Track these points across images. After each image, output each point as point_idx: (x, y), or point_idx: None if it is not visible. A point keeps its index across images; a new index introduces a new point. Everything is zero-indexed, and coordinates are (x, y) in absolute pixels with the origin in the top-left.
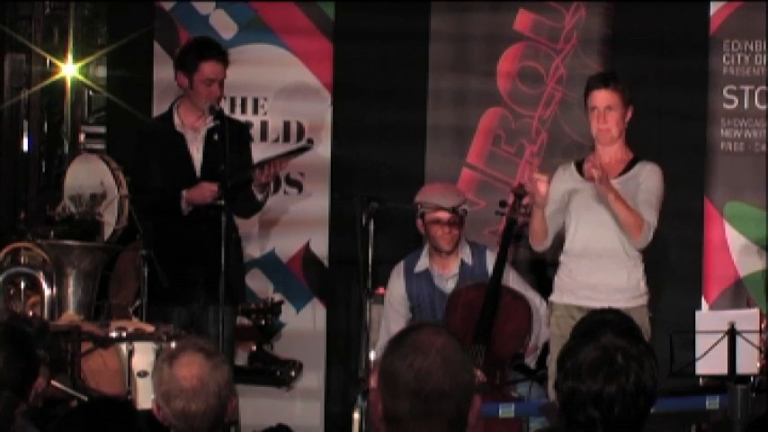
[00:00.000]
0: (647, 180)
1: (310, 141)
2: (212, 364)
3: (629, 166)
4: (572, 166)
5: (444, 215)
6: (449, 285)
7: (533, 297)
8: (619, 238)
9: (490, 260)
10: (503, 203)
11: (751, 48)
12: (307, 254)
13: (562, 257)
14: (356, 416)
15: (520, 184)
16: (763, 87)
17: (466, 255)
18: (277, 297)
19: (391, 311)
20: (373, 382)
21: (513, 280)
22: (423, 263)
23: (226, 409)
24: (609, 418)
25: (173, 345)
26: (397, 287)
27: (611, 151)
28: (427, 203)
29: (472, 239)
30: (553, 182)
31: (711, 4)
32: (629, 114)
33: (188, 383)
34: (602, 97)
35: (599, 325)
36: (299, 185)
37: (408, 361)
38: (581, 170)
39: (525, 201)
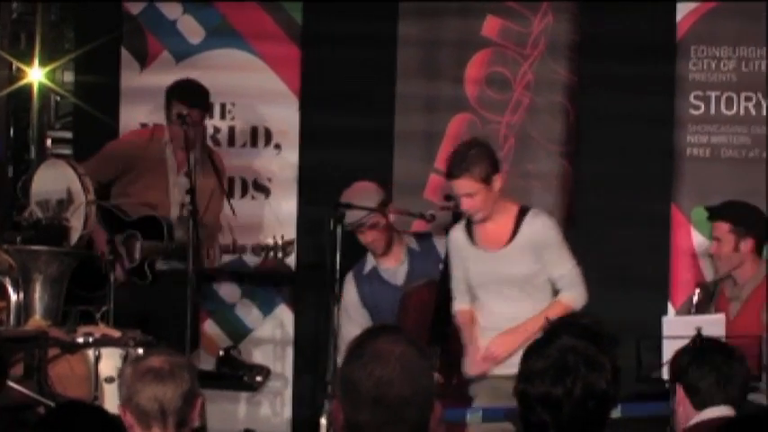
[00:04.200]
0: (547, 246)
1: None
2: (177, 360)
3: (517, 225)
4: (462, 229)
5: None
6: (399, 275)
7: None
8: (523, 308)
9: (440, 245)
10: (448, 197)
11: (717, 53)
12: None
13: None
14: (323, 421)
15: None
16: (730, 93)
17: (411, 242)
18: (288, 237)
19: (345, 319)
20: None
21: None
22: (369, 263)
23: (195, 401)
24: (559, 420)
25: (140, 351)
26: (350, 294)
27: (494, 219)
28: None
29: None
30: (449, 251)
31: (678, 9)
32: (498, 182)
33: (158, 365)
34: (459, 186)
35: (561, 327)
36: (266, 191)
37: (368, 370)
38: (471, 231)
39: None
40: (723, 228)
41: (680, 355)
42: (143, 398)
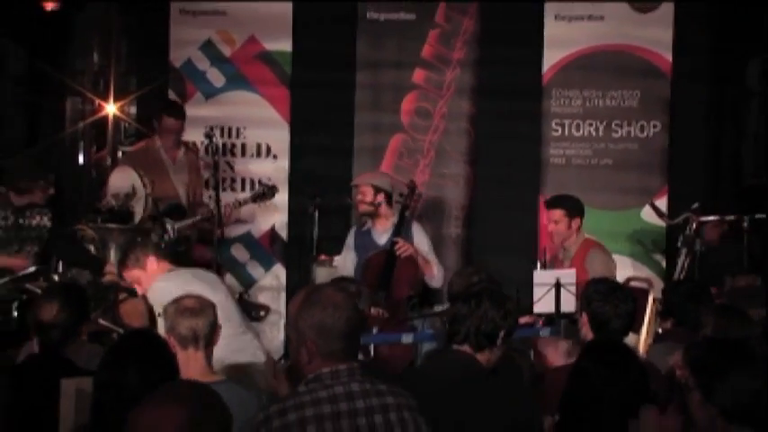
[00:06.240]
0: None
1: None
2: (204, 301)
3: None
4: None
5: (358, 188)
6: (382, 239)
7: (434, 259)
8: None
9: (416, 227)
10: (401, 195)
11: (569, 94)
12: (272, 233)
13: None
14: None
15: (411, 180)
16: (578, 121)
17: (395, 220)
18: (271, 183)
19: (344, 251)
20: (292, 334)
21: (418, 237)
22: (368, 224)
23: (217, 329)
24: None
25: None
26: (350, 239)
27: None
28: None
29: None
30: None
31: (544, 64)
32: None
33: (192, 305)
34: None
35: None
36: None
37: (337, 315)
38: None
39: (417, 191)
40: (558, 213)
41: (589, 289)
42: (182, 328)
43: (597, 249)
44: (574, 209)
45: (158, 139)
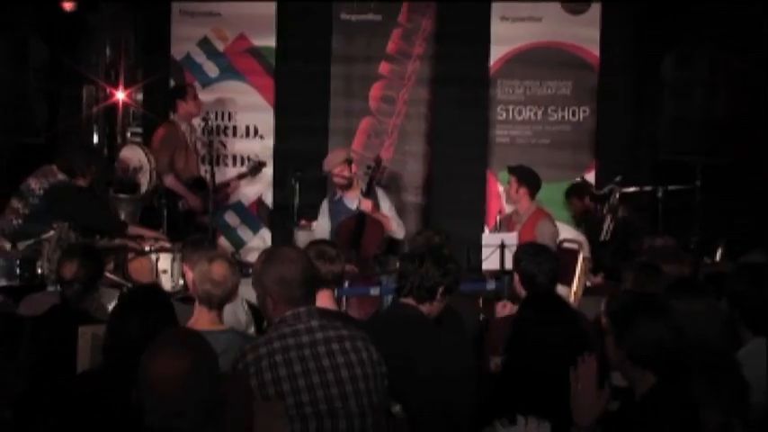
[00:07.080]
0: None
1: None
2: (232, 276)
3: None
4: None
5: (335, 169)
6: (353, 204)
7: (394, 216)
8: None
9: (380, 192)
10: (369, 167)
11: (512, 84)
12: (260, 201)
13: None
14: None
15: (378, 155)
16: (520, 107)
17: (363, 187)
18: (259, 160)
19: (320, 218)
20: (258, 289)
21: (382, 199)
22: (339, 194)
23: (234, 295)
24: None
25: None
26: (324, 207)
27: None
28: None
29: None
30: None
31: (491, 58)
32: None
33: (218, 278)
34: None
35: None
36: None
37: (294, 267)
38: None
39: (383, 164)
40: (512, 178)
41: (519, 252)
42: (200, 290)
43: (546, 220)
44: (523, 179)
45: (180, 123)
